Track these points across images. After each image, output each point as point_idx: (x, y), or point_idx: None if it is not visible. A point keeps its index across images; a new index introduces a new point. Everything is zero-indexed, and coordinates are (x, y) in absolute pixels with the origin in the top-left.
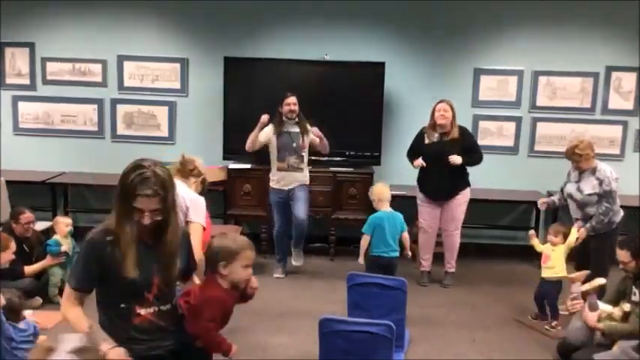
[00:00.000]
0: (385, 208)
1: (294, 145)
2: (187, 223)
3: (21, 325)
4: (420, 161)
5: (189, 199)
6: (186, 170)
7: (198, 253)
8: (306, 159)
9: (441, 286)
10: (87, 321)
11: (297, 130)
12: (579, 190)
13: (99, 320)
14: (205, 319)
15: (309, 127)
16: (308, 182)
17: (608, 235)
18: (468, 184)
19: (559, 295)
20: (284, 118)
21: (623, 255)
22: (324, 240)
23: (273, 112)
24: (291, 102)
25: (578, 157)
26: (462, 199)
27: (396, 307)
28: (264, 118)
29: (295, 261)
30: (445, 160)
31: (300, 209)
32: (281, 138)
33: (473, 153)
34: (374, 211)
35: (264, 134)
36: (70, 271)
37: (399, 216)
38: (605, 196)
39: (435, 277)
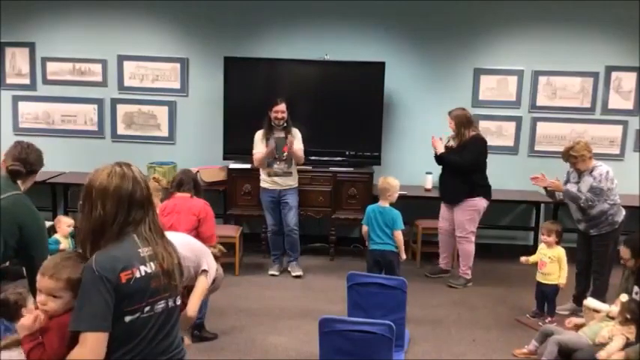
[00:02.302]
0: (381, 202)
1: (277, 152)
2: (202, 271)
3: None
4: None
5: (212, 267)
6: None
7: (197, 304)
8: (294, 162)
9: (446, 284)
10: None
11: (282, 135)
12: (579, 192)
13: None
14: None
15: (293, 132)
16: (297, 184)
17: (610, 235)
18: (476, 194)
19: (557, 294)
20: (272, 123)
21: (623, 252)
22: (324, 240)
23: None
24: (279, 110)
25: (574, 159)
26: (467, 206)
27: (396, 307)
28: (272, 147)
29: (294, 272)
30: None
31: (291, 218)
32: (268, 144)
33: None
34: None
35: (259, 142)
36: None
37: (393, 212)
38: (592, 190)
39: (439, 277)
